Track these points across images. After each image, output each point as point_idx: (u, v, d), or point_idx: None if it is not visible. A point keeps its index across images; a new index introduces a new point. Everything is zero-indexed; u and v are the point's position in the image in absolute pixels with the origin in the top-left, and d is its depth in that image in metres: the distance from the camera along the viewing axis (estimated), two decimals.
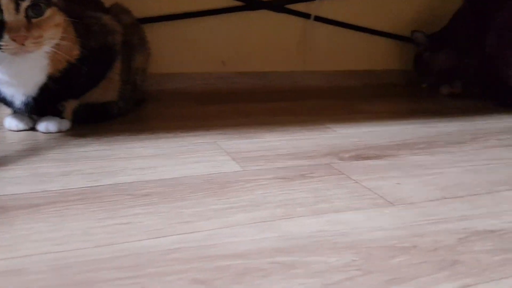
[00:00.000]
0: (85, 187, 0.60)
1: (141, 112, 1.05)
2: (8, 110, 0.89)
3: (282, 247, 0.46)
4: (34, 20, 0.73)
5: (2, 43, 0.71)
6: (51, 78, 0.81)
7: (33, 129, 0.86)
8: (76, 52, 0.83)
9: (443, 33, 1.39)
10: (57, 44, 0.77)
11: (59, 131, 0.85)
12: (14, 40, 0.71)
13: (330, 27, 1.45)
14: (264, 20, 1.38)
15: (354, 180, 0.66)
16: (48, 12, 0.75)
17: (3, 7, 0.70)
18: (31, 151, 0.74)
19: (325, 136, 0.88)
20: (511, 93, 1.21)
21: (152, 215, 0.52)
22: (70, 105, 0.89)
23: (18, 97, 0.82)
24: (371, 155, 0.78)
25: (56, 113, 0.86)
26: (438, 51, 1.37)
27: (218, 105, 1.13)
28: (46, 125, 0.84)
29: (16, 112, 0.87)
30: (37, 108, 0.84)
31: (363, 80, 1.52)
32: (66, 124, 0.87)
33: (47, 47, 0.76)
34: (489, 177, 0.69)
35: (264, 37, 1.39)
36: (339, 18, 1.45)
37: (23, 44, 0.72)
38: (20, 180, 0.62)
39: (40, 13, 0.73)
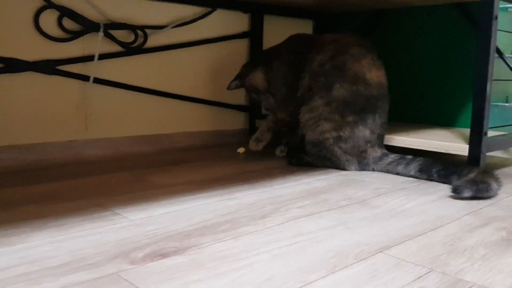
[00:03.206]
0: None
1: None
2: None
3: None
4: None
5: None
6: None
7: None
8: None
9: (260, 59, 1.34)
10: None
11: None
12: None
13: (113, 89, 1.30)
14: (32, 84, 1.15)
15: None
16: None
17: None
18: None
19: (113, 228, 0.72)
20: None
21: None
22: None
23: None
24: (170, 249, 0.64)
25: None
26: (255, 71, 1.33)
27: None
28: None
29: None
30: None
31: (155, 146, 1.40)
32: None
33: None
34: (298, 262, 0.62)
35: (34, 104, 1.16)
36: (123, 79, 1.31)
37: None
38: None
39: None
